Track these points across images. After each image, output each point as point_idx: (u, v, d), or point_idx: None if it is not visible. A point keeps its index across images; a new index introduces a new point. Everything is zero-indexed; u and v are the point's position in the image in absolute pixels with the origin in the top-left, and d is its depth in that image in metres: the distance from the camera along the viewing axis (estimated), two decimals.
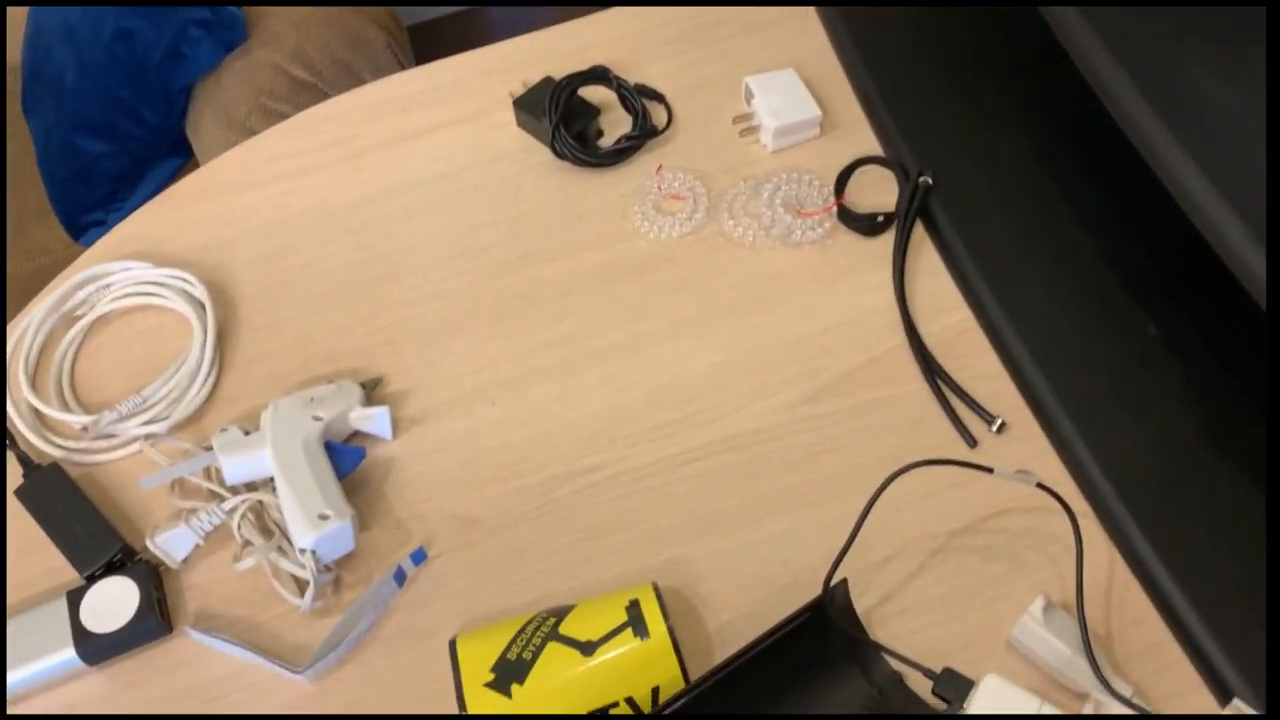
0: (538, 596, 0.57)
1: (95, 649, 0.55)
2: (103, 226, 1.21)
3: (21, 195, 1.26)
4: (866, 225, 0.67)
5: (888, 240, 0.67)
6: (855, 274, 0.66)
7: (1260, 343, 0.57)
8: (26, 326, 0.67)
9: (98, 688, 0.56)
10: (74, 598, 0.56)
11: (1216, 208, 0.47)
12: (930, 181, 0.67)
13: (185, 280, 0.68)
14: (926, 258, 0.66)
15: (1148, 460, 0.56)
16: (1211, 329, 0.59)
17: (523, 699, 0.50)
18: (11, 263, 1.20)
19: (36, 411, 0.64)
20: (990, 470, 0.51)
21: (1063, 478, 0.57)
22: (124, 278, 0.68)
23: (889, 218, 0.67)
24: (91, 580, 0.57)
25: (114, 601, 0.56)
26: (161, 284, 0.68)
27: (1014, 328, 0.61)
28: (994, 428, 0.59)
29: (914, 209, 0.66)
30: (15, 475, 0.61)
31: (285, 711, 0.54)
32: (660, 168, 0.71)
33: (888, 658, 0.51)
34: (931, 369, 0.61)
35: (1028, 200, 0.66)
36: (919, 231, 0.67)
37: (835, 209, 0.67)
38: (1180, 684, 0.51)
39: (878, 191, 0.69)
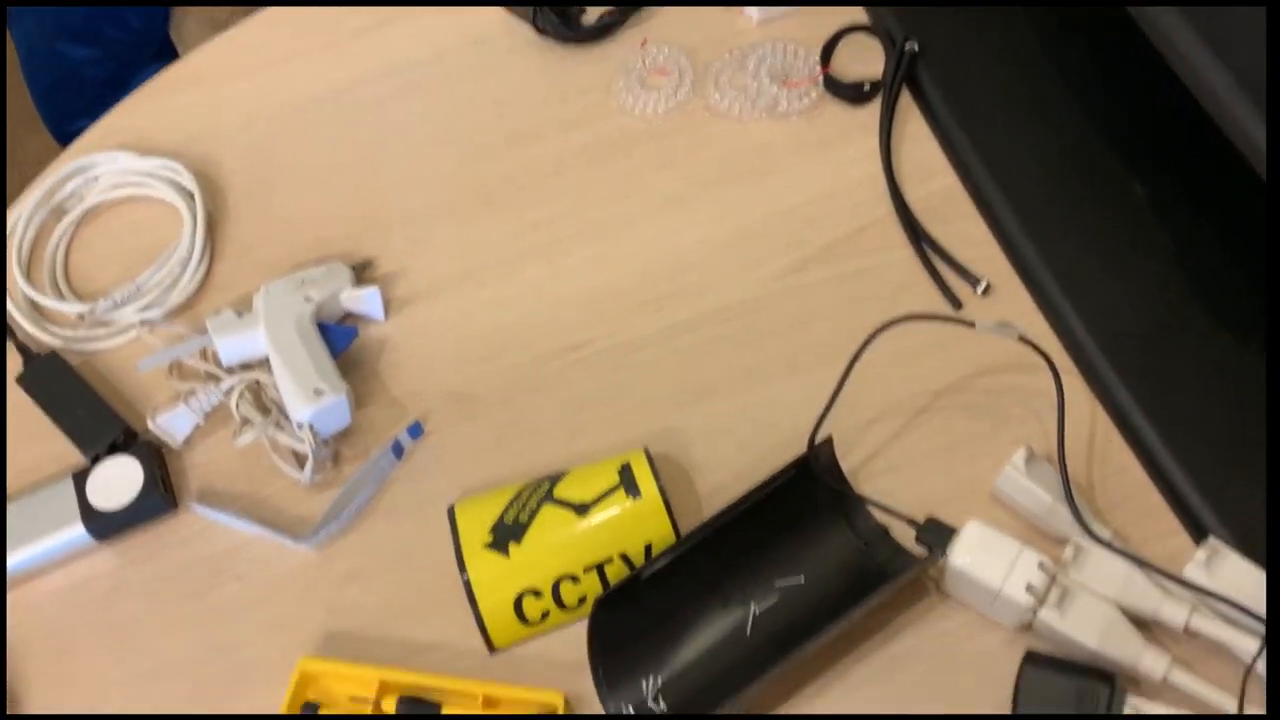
0: (532, 467, 0.58)
1: (103, 525, 0.56)
2: None
3: (10, 105, 1.25)
4: (853, 94, 0.66)
5: (874, 109, 0.66)
6: (842, 144, 0.66)
7: (1246, 200, 0.57)
8: (17, 219, 0.67)
9: (107, 563, 0.57)
10: (79, 478, 0.57)
11: (1207, 65, 0.47)
12: (916, 48, 0.66)
13: (173, 170, 0.68)
14: (913, 125, 0.66)
15: (1131, 316, 0.56)
16: (1198, 187, 0.59)
17: (520, 557, 0.51)
18: None
19: (32, 302, 0.65)
20: (972, 324, 0.51)
21: (1047, 336, 0.58)
22: (112, 169, 0.69)
23: (875, 86, 0.66)
24: (96, 461, 0.58)
25: (119, 480, 0.57)
26: (149, 174, 0.68)
27: (1000, 191, 0.61)
28: (979, 290, 0.59)
29: (900, 77, 0.66)
30: (15, 364, 0.62)
31: (292, 578, 0.56)
32: (644, 42, 0.70)
33: (872, 510, 0.53)
34: (918, 235, 0.61)
35: (1014, 65, 0.65)
36: (905, 100, 0.67)
37: (821, 78, 0.67)
38: (1159, 528, 0.52)
39: (864, 61, 0.68)
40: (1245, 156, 0.46)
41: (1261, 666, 0.46)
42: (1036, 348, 0.52)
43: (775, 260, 0.62)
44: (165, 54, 1.19)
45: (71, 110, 1.19)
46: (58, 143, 1.21)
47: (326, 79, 0.72)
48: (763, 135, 0.67)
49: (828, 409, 0.53)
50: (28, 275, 0.66)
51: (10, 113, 1.25)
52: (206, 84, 0.73)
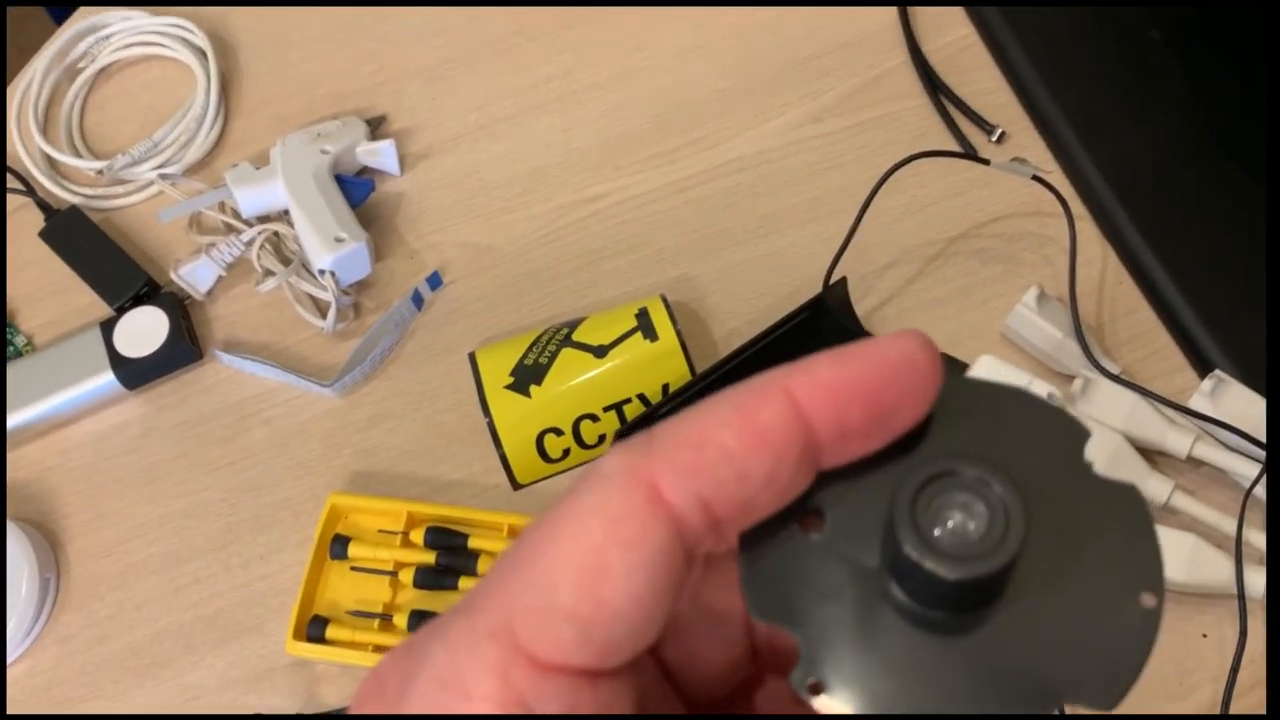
0: (550, 315, 0.59)
1: (132, 373, 0.58)
2: None
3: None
4: None
5: None
6: None
7: (1265, 50, 0.57)
8: (30, 79, 0.67)
9: (136, 409, 0.59)
10: (107, 328, 0.58)
11: None
12: None
13: (185, 29, 0.68)
14: None
15: (1145, 160, 0.57)
16: (1213, 28, 0.59)
17: (541, 397, 0.53)
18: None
19: (50, 160, 0.65)
20: (987, 162, 0.52)
21: (1062, 183, 0.58)
22: (124, 27, 0.68)
23: None
24: (121, 312, 0.59)
25: (145, 329, 0.58)
26: (162, 33, 0.68)
27: (1015, 37, 0.61)
28: (993, 138, 0.59)
29: None
30: (37, 220, 0.63)
31: (317, 422, 0.57)
32: None
33: None
34: (934, 84, 0.61)
35: None
36: None
37: None
38: (1166, 365, 0.53)
39: None
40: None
41: (1260, 490, 0.47)
42: (1049, 185, 0.52)
43: (791, 111, 0.62)
44: None
45: None
46: (53, 21, 1.20)
47: None
48: None
49: (843, 249, 0.53)
50: (44, 134, 0.66)
51: None
52: None
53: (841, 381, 0.18)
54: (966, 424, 0.19)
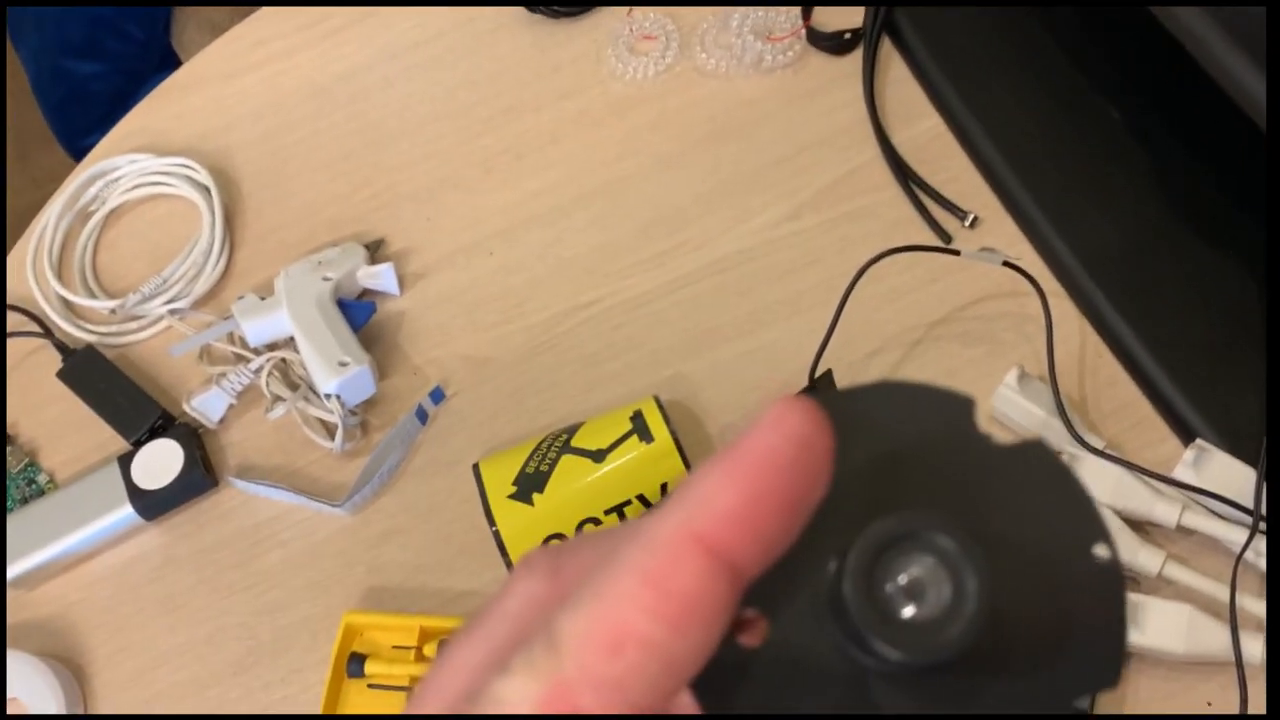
0: (550, 421, 0.61)
1: (149, 504, 0.59)
2: None
3: (24, 123, 1.29)
4: (835, 44, 0.68)
5: (857, 57, 0.68)
6: (827, 93, 0.68)
7: (1220, 120, 0.59)
8: (45, 225, 0.70)
9: (155, 539, 0.61)
10: (124, 462, 0.60)
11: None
12: None
13: (189, 168, 0.71)
14: (895, 69, 0.68)
15: (1114, 237, 0.59)
16: (1168, 105, 0.61)
17: (544, 505, 0.54)
18: (20, 191, 1.24)
19: (66, 302, 0.68)
20: (958, 252, 0.54)
21: (1035, 262, 0.60)
22: (131, 170, 0.72)
23: (856, 34, 0.68)
24: (138, 445, 0.61)
25: (161, 461, 0.60)
26: (167, 173, 0.71)
27: (982, 126, 0.63)
28: (966, 223, 0.62)
29: (880, 23, 0.68)
30: (55, 361, 0.65)
31: (331, 542, 0.59)
32: (630, 10, 0.73)
33: None
34: (905, 175, 0.64)
35: (987, 4, 0.67)
36: (886, 46, 0.69)
37: (804, 31, 0.69)
38: (1151, 435, 0.55)
39: (844, 11, 0.70)
40: (1215, 80, 0.48)
41: (1250, 555, 0.48)
42: (1020, 269, 0.54)
43: (770, 210, 0.65)
44: (169, 64, 1.22)
45: (83, 125, 1.22)
46: (71, 158, 1.25)
47: (328, 68, 0.75)
48: (750, 91, 0.69)
49: (826, 341, 0.55)
50: (59, 276, 0.69)
51: (25, 128, 1.28)
52: (212, 83, 0.76)
53: (750, 503, 0.16)
54: (857, 442, 0.18)
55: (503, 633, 0.19)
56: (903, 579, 0.17)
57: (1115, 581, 0.17)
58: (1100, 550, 0.17)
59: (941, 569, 0.17)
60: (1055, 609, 0.17)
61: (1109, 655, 0.17)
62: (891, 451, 0.18)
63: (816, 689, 0.17)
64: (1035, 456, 0.18)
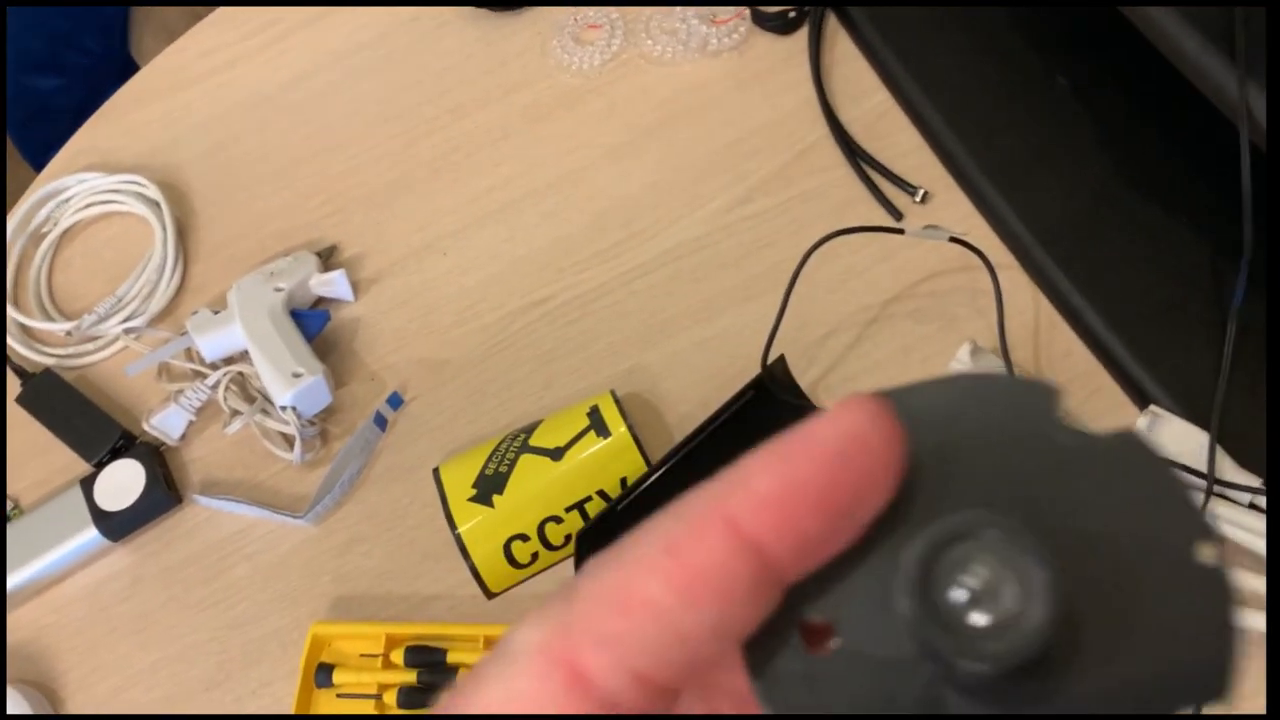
0: (509, 421, 0.60)
1: (114, 525, 0.59)
2: None
3: None
4: (780, 24, 0.68)
5: (802, 36, 0.68)
6: (774, 73, 0.67)
7: (1166, 86, 0.58)
8: None
9: (123, 560, 0.61)
10: (87, 484, 0.60)
11: None
12: None
13: (139, 184, 0.71)
14: (842, 47, 0.67)
15: (1064, 205, 0.58)
16: (1119, 78, 0.61)
17: (504, 506, 0.54)
18: None
19: (22, 326, 0.68)
20: (901, 231, 0.53)
21: (988, 235, 0.60)
22: (81, 189, 0.71)
23: (801, 12, 0.68)
24: (100, 467, 0.61)
25: (124, 482, 0.60)
26: (117, 190, 0.71)
27: (929, 99, 0.63)
28: (917, 198, 0.61)
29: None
30: (13, 387, 0.65)
31: (296, 553, 0.59)
32: None
33: None
34: (854, 153, 0.63)
35: None
36: (832, 22, 0.68)
37: (748, 12, 0.68)
38: (1109, 402, 0.55)
39: None
40: (1159, 48, 0.48)
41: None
42: (967, 244, 0.54)
43: (721, 195, 0.64)
44: (129, 75, 1.21)
45: (47, 141, 1.21)
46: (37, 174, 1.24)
47: (273, 76, 0.74)
48: (698, 75, 0.68)
49: (775, 328, 0.55)
50: (14, 300, 0.68)
51: None
52: (161, 96, 0.76)
53: (786, 491, 0.16)
54: (928, 433, 0.18)
55: None
56: (969, 583, 0.16)
57: (1221, 585, 0.16)
58: (1205, 550, 0.16)
59: (1006, 569, 0.16)
60: (1149, 613, 0.16)
61: (1214, 664, 0.16)
62: (967, 447, 0.18)
63: (887, 698, 0.16)
64: (1126, 448, 0.17)
